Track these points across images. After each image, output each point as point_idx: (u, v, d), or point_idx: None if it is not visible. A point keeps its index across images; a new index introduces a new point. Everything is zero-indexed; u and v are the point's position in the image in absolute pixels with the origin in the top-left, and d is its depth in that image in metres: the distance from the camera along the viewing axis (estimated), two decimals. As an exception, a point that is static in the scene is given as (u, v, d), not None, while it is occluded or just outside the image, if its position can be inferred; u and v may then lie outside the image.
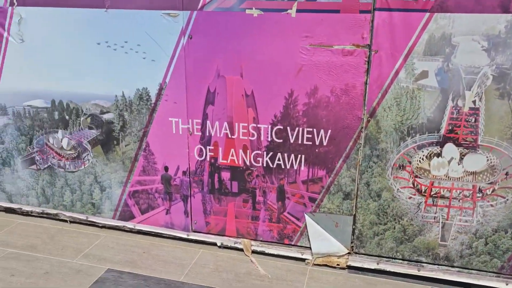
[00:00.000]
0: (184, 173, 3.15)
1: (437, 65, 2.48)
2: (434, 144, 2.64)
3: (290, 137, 2.86)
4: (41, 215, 3.66)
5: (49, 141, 3.39)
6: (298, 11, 2.60)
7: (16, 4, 3.06)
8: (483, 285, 2.78)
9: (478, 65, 2.43)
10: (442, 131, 2.60)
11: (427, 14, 2.41)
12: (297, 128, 2.83)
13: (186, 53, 2.85)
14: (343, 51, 2.60)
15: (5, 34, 3.16)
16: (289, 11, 2.61)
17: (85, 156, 3.33)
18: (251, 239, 3.19)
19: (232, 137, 2.96)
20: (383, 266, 2.94)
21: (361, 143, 2.75)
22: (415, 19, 2.43)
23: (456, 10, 2.37)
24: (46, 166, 3.47)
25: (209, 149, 3.04)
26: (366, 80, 2.62)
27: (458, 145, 2.60)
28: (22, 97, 3.31)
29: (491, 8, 2.32)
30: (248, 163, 3.00)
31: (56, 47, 3.09)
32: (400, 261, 2.93)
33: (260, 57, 2.73)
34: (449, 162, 2.65)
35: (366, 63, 2.59)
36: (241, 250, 3.20)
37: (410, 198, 2.78)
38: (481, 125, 2.53)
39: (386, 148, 2.72)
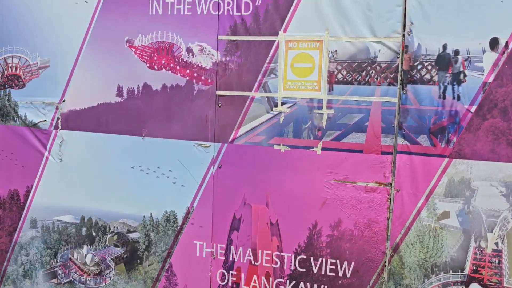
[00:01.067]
0: (205, 296, 3.14)
1: (458, 207, 2.58)
2: (459, 284, 2.63)
3: (313, 267, 2.89)
4: (55, 330, 3.59)
5: (73, 256, 3.44)
6: (323, 149, 2.78)
7: (60, 128, 3.32)
8: None
9: (498, 209, 2.52)
10: (467, 271, 2.61)
11: (446, 160, 2.56)
12: (320, 259, 2.86)
13: (215, 181, 3.01)
14: (366, 187, 2.73)
15: (46, 154, 3.39)
16: (314, 148, 2.79)
17: (107, 273, 3.36)
18: None
19: (256, 263, 3.00)
20: None
21: (384, 278, 2.76)
22: (435, 163, 2.58)
23: (473, 158, 2.52)
24: (67, 280, 3.49)
25: (231, 274, 3.06)
26: (389, 216, 2.71)
27: (483, 286, 2.60)
28: (53, 211, 3.44)
29: (506, 157, 2.47)
30: (270, 290, 3.00)
31: (92, 168, 3.28)
32: None
33: (286, 189, 2.86)
34: (475, 303, 2.62)
35: (389, 200, 2.70)
36: None
37: (436, 337, 2.71)
38: (505, 267, 2.55)
39: (410, 284, 2.72)
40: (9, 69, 3.40)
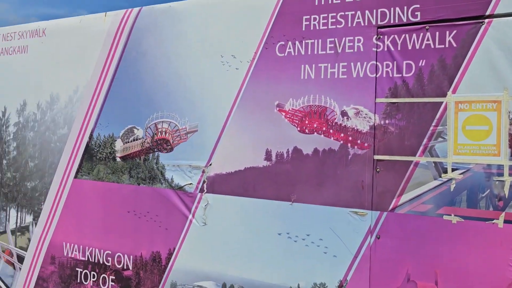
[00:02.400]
0: None
1: None
2: None
3: None
4: None
5: (212, 325, 3.33)
6: (506, 221, 2.44)
7: (205, 191, 3.34)
8: None
9: None
10: None
11: None
12: None
13: (372, 253, 2.77)
14: None
15: (190, 217, 3.40)
16: (495, 221, 2.46)
17: None
18: None
19: None
20: None
21: None
22: None
23: None
24: None
25: None
26: None
27: None
28: (194, 276, 3.39)
29: None
30: None
31: (236, 233, 3.22)
32: None
33: (460, 266, 2.53)
34: None
35: None
36: None
37: None
38: None
39: None
40: (159, 133, 3.56)
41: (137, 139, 3.69)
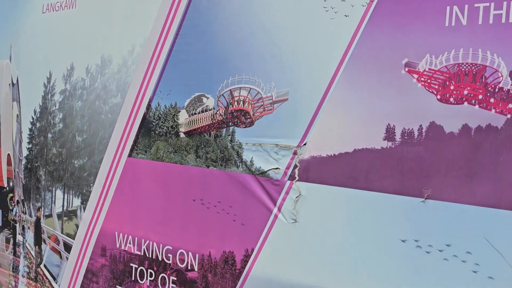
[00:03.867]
0: None
1: None
2: None
3: None
4: None
5: None
6: None
7: (297, 179, 2.57)
8: None
9: None
10: None
11: None
12: None
13: (555, 278, 1.91)
14: None
15: (275, 211, 2.65)
16: None
17: None
18: None
19: None
20: None
21: None
22: None
23: None
24: None
25: None
26: None
27: None
28: (278, 287, 2.65)
29: None
30: None
31: (339, 235, 2.43)
32: None
33: None
34: None
35: None
36: None
37: None
38: None
39: None
40: (235, 103, 2.80)
41: (206, 110, 2.95)
